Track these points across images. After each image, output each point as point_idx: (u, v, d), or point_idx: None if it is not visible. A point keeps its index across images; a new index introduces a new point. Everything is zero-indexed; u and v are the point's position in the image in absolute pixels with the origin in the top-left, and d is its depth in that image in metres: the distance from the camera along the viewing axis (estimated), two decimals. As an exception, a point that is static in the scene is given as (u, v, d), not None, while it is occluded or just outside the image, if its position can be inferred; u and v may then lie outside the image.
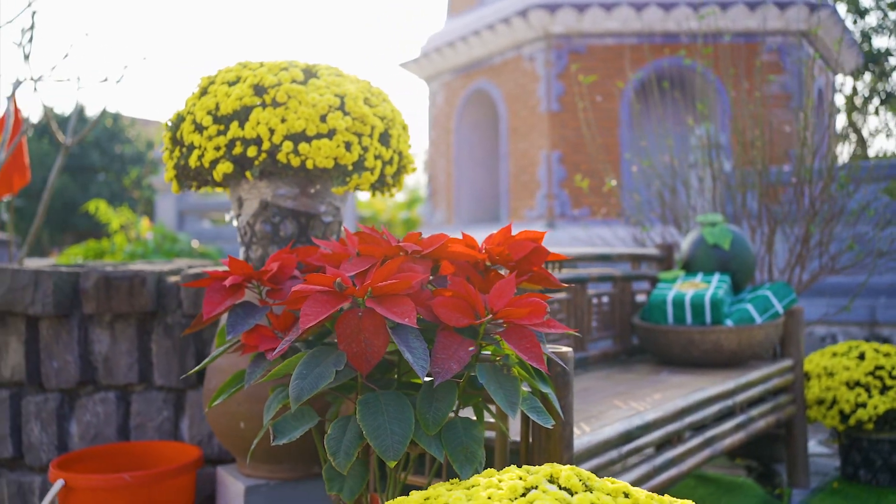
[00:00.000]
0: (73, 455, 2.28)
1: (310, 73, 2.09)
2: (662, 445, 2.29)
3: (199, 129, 2.03)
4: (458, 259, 1.56)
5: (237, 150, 1.98)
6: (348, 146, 2.00)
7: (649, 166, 4.20)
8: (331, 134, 1.98)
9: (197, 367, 1.62)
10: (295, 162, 1.96)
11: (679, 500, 1.23)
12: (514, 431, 1.83)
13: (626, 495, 1.18)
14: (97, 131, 23.98)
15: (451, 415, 1.50)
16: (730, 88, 4.50)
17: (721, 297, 2.98)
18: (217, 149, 2.00)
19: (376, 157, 2.07)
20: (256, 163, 1.99)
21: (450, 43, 9.68)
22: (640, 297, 3.34)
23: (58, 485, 2.10)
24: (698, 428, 2.58)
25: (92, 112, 22.70)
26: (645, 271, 3.37)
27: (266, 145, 1.96)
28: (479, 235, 8.26)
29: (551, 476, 1.20)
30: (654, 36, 8.66)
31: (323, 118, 1.97)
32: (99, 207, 8.21)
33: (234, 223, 2.23)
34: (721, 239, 3.22)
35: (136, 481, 2.10)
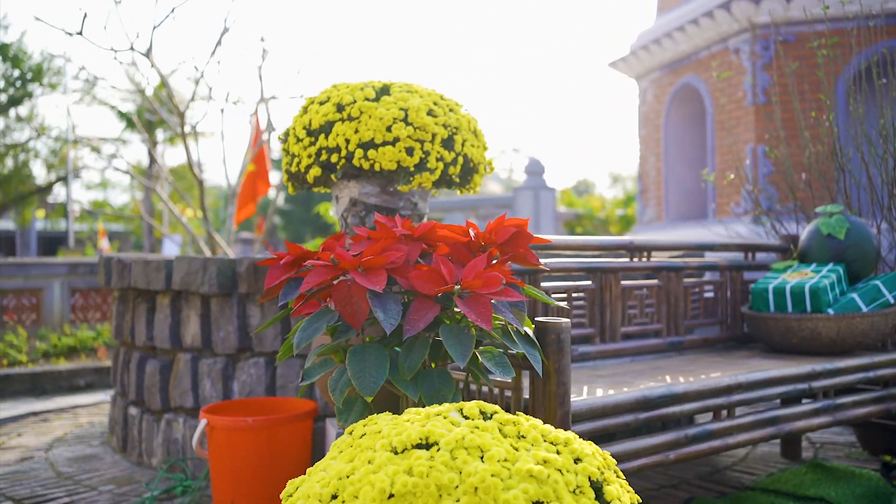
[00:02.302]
0: (220, 404, 2.87)
1: (384, 90, 2.51)
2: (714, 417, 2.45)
3: (298, 140, 2.52)
4: (445, 241, 1.90)
5: (323, 157, 2.44)
6: (410, 151, 2.39)
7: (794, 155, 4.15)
8: (394, 141, 2.38)
9: (259, 329, 2.08)
10: (366, 165, 2.39)
11: (574, 435, 1.50)
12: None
13: (515, 424, 1.47)
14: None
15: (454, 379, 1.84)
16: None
17: (823, 286, 3.01)
18: (309, 156, 2.48)
19: (438, 160, 2.44)
20: (338, 167, 2.44)
21: (656, 40, 9.70)
22: (757, 287, 3.41)
23: (203, 423, 2.68)
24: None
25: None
26: (762, 261, 3.43)
27: (344, 152, 2.40)
28: (686, 233, 8.26)
29: (461, 409, 1.52)
30: (875, 18, 8.16)
31: (388, 129, 2.38)
32: (328, 209, 9.18)
33: (336, 217, 2.70)
34: (836, 229, 3.23)
35: (258, 424, 2.63)
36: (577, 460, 1.43)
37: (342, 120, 2.43)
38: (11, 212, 26.94)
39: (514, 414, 2.05)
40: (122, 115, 21.97)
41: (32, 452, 3.76)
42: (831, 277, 3.07)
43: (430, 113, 2.46)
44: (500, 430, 1.46)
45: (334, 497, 1.38)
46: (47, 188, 24.57)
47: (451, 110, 2.54)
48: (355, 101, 2.43)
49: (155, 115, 14.84)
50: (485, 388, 2.18)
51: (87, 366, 5.82)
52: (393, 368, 1.78)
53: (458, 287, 1.75)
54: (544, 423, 1.97)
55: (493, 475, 1.31)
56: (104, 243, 22.03)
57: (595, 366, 2.78)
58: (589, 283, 2.82)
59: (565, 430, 1.98)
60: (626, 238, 2.93)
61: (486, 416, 1.51)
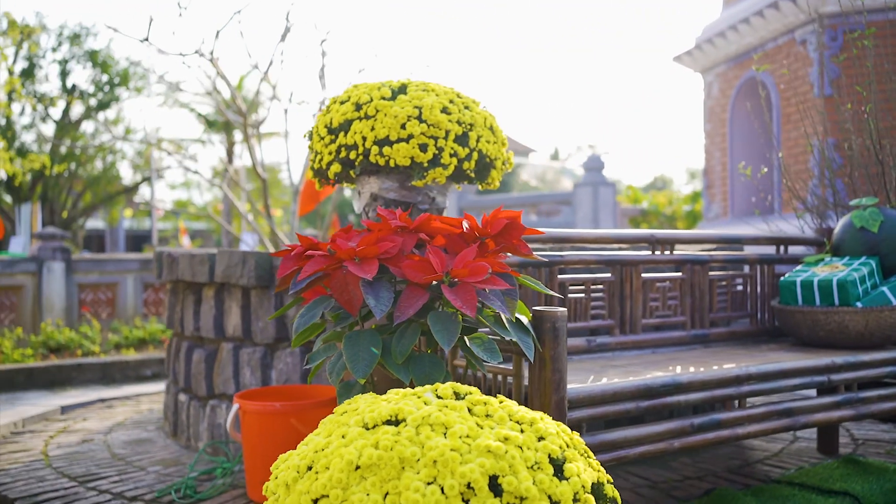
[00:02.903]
0: (254, 391, 3.02)
1: (402, 89, 2.61)
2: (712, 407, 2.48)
3: (321, 139, 2.64)
4: (441, 233, 1.99)
5: (342, 154, 2.56)
6: (423, 147, 2.48)
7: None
8: (408, 138, 2.48)
9: (271, 316, 2.21)
10: (381, 161, 2.49)
11: (541, 415, 1.57)
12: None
13: (486, 404, 1.55)
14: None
15: (453, 364, 1.94)
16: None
17: (852, 279, 2.98)
18: (330, 153, 2.60)
19: (452, 155, 2.53)
20: (356, 163, 2.55)
21: (720, 33, 9.56)
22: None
23: (235, 407, 2.83)
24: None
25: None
26: (800, 255, 3.41)
27: (361, 149, 2.52)
28: (750, 229, 8.18)
29: (436, 390, 1.61)
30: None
31: (403, 126, 2.48)
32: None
33: (358, 211, 2.81)
34: (869, 222, 3.19)
35: (285, 409, 2.76)
36: (540, 439, 1.50)
37: (360, 118, 2.54)
38: (101, 211, 28.18)
39: (514, 400, 2.13)
40: (201, 117, 22.70)
41: (93, 435, 4.00)
42: (862, 271, 3.04)
43: (444, 110, 2.55)
44: (469, 410, 1.54)
45: (310, 468, 1.48)
46: (133, 188, 25.61)
47: (466, 107, 2.63)
48: (372, 100, 2.54)
49: (222, 117, 15.32)
50: (489, 376, 2.26)
51: (154, 357, 6.11)
52: (388, 353, 1.88)
53: (447, 276, 1.84)
54: (540, 408, 2.05)
55: (452, 450, 1.40)
56: (185, 241, 22.78)
57: (613, 356, 2.83)
58: (609, 275, 2.87)
59: (560, 415, 2.05)
60: (646, 231, 2.96)
61: (459, 397, 1.59)
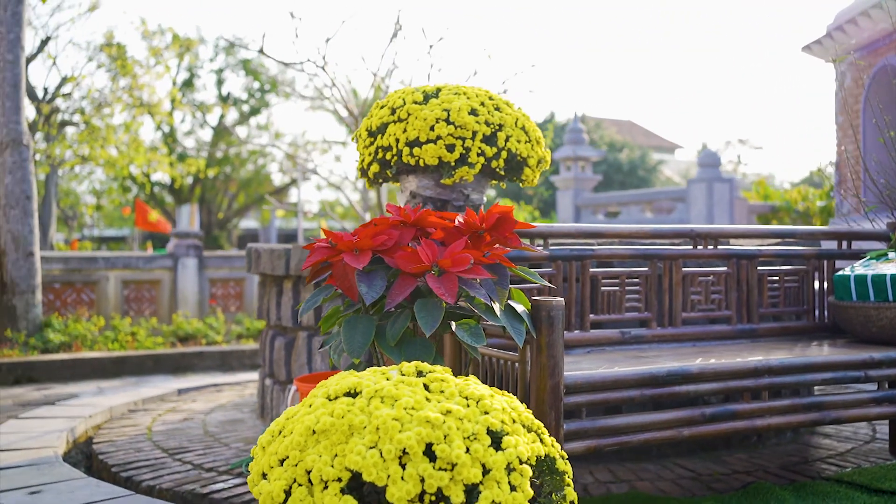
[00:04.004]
0: (311, 375, 3.25)
1: (434, 93, 2.78)
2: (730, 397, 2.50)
3: (363, 141, 2.85)
4: (438, 227, 2.14)
5: (380, 154, 2.76)
6: (451, 148, 2.65)
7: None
8: (437, 139, 2.65)
9: (298, 305, 2.43)
10: (412, 161, 2.68)
11: (491, 392, 1.70)
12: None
13: (442, 381, 1.70)
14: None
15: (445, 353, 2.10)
16: None
17: (907, 274, 2.90)
18: (370, 154, 2.80)
19: (479, 155, 2.68)
20: (392, 163, 2.75)
21: (851, 20, 9.13)
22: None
23: (292, 388, 3.09)
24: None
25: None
26: (860, 249, 3.32)
27: (395, 150, 2.71)
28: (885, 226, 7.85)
29: (401, 369, 1.77)
30: None
31: (431, 128, 2.65)
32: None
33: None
34: (934, 215, 3.08)
35: (336, 391, 2.99)
36: (485, 413, 1.63)
37: (394, 121, 2.73)
38: (253, 211, 29.83)
39: (516, 385, 2.26)
40: (342, 120, 23.63)
41: (195, 415, 4.40)
42: (921, 266, 2.95)
43: (472, 112, 2.70)
44: (427, 387, 1.70)
45: (280, 433, 1.68)
46: (283, 189, 26.99)
47: (497, 109, 2.76)
48: (405, 104, 2.72)
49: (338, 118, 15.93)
50: (501, 361, 2.39)
51: (268, 346, 6.54)
52: (383, 337, 2.06)
53: (435, 266, 2.00)
54: (537, 392, 2.17)
55: (394, 419, 1.56)
56: (327, 239, 23.74)
57: (648, 348, 2.88)
58: (645, 269, 2.92)
59: (556, 399, 2.16)
60: (686, 226, 2.99)
61: (420, 375, 1.75)
